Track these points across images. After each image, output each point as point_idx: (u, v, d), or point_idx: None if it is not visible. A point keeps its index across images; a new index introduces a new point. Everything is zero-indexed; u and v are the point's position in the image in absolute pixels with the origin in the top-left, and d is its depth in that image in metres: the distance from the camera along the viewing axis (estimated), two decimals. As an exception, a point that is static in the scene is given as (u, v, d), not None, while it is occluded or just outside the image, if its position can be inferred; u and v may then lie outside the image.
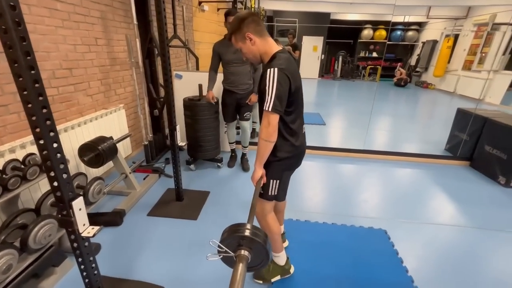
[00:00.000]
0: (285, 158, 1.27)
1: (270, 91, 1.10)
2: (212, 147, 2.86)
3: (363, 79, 10.72)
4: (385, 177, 2.95)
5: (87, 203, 1.70)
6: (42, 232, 1.33)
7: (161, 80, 3.28)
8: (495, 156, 2.82)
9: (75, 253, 1.11)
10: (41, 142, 0.89)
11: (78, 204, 1.03)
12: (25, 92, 0.82)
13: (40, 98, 0.84)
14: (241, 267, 0.80)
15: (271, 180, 1.31)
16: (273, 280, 1.54)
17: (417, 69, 9.91)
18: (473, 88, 7.15)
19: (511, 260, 1.80)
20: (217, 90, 2.70)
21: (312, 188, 2.64)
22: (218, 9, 6.10)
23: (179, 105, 2.75)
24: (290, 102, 1.17)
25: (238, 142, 3.08)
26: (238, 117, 2.77)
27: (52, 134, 0.90)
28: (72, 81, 2.19)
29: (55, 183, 0.95)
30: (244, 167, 2.90)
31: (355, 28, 10.27)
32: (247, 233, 0.85)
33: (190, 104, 2.67)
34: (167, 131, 3.50)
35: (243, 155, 2.97)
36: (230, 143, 2.99)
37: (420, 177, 2.94)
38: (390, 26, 10.30)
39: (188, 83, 3.06)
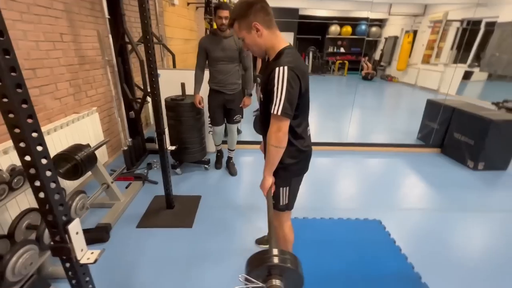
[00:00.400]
0: (291, 164, 1.18)
1: (279, 93, 0.99)
2: (198, 148, 2.73)
3: (332, 73, 11.10)
4: (366, 168, 3.07)
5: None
6: (21, 262, 1.14)
7: (136, 80, 3.05)
8: (463, 142, 3.07)
9: (71, 283, 0.96)
10: (27, 158, 0.74)
11: (75, 227, 0.88)
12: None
13: (19, 90, 0.69)
14: None
15: (280, 188, 1.22)
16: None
17: (382, 64, 10.50)
18: (432, 80, 7.76)
19: (486, 235, 1.98)
20: (203, 90, 2.56)
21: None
22: (188, 4, 5.85)
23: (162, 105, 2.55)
24: (297, 105, 1.06)
25: (224, 142, 2.97)
26: (225, 120, 2.61)
27: (35, 135, 0.73)
28: (36, 83, 1.92)
29: (47, 206, 0.80)
30: (232, 172, 2.76)
31: (323, 24, 10.55)
32: (275, 260, 0.78)
33: (173, 105, 2.50)
34: (147, 134, 3.29)
35: (229, 158, 2.84)
36: (216, 145, 2.84)
37: (399, 166, 3.11)
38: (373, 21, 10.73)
39: (167, 82, 2.86)
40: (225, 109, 2.53)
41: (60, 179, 1.91)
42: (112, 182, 2.10)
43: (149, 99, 2.84)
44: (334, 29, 10.78)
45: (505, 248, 1.85)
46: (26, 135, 0.70)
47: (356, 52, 11.34)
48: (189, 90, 2.63)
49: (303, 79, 1.05)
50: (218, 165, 2.85)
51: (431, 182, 2.76)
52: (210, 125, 2.76)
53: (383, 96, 7.82)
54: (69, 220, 0.88)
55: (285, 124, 1.04)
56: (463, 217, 2.19)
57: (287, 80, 0.98)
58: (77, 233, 0.89)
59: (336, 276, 1.56)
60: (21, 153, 0.73)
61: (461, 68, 6.93)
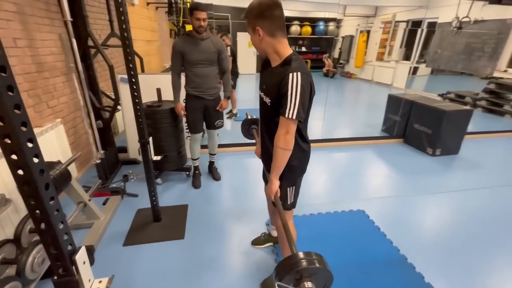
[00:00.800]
0: (297, 165, 1.23)
1: (293, 98, 1.01)
2: (178, 156, 2.63)
3: (296, 72, 11.45)
4: (339, 162, 3.26)
5: (51, 248, 1.36)
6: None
7: (101, 86, 2.83)
8: (422, 132, 3.42)
9: (77, 318, 0.87)
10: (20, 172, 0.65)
11: (81, 257, 0.80)
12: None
13: (10, 93, 0.60)
14: None
15: (287, 188, 1.26)
16: (283, 284, 1.53)
17: (341, 61, 11.13)
18: (386, 76, 8.47)
19: (451, 212, 2.24)
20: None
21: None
22: (148, 4, 5.57)
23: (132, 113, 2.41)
24: (306, 109, 1.12)
25: (203, 146, 2.90)
26: (205, 126, 2.52)
27: (30, 145, 0.64)
28: (-11, 95, 1.68)
29: (48, 238, 0.72)
30: (215, 177, 2.70)
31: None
32: (304, 264, 0.80)
33: (150, 112, 2.37)
34: (116, 143, 3.06)
35: (211, 163, 2.77)
36: (193, 159, 2.63)
37: (369, 157, 3.35)
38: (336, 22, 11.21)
39: (137, 88, 2.71)
40: (205, 115, 2.44)
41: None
42: (89, 200, 1.93)
43: (120, 106, 2.65)
44: (294, 29, 11.13)
45: (467, 222, 2.12)
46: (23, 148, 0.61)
47: (316, 51, 11.85)
48: (164, 96, 2.52)
49: (313, 85, 1.11)
50: (196, 183, 2.57)
51: (399, 169, 3.03)
52: (188, 132, 2.65)
53: (345, 92, 8.31)
54: (74, 250, 0.80)
55: (295, 127, 1.07)
56: (430, 198, 2.45)
57: (301, 86, 1.01)
58: (84, 262, 0.82)
59: (334, 268, 1.64)
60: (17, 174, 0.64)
61: (409, 64, 7.68)
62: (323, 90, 8.19)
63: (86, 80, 2.28)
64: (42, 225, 0.70)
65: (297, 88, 1.01)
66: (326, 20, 11.04)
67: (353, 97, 7.73)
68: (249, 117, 1.88)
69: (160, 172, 2.65)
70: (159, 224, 2.01)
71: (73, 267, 0.78)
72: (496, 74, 5.57)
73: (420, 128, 3.45)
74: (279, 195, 1.20)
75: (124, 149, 3.00)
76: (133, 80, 1.57)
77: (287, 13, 10.46)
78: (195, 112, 2.39)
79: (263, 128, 1.30)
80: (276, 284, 0.79)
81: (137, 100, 1.63)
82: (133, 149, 2.96)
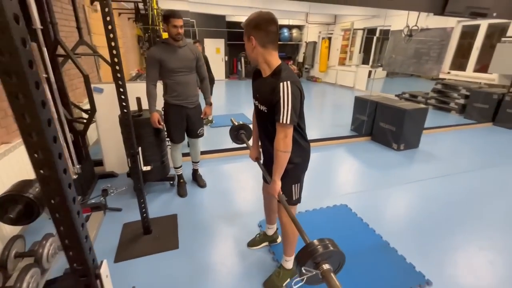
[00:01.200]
0: (300, 163, 1.34)
1: (285, 104, 1.13)
2: (161, 166, 2.57)
3: (264, 77, 11.75)
4: (315, 162, 3.44)
5: (42, 271, 1.27)
6: None
7: (71, 96, 2.66)
8: (387, 129, 3.76)
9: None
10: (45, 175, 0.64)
11: (105, 270, 0.79)
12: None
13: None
14: (333, 279, 0.85)
15: (293, 185, 1.36)
16: (284, 284, 1.58)
17: (305, 66, 11.66)
18: (348, 79, 9.09)
19: (419, 199, 2.52)
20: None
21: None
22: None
23: (109, 123, 2.33)
24: (301, 112, 1.25)
25: (186, 154, 2.87)
26: (186, 135, 2.49)
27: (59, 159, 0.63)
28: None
29: (71, 253, 0.70)
30: (200, 184, 2.69)
31: (250, 30, 11.07)
32: (320, 249, 0.89)
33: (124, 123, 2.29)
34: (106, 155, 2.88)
35: (195, 171, 2.74)
36: (176, 168, 2.60)
37: (342, 155, 3.59)
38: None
39: (112, 97, 2.59)
40: (187, 124, 2.41)
41: None
42: (71, 218, 1.81)
43: (95, 117, 2.52)
44: (261, 35, 11.43)
45: (433, 207, 2.40)
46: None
47: (282, 56, 12.27)
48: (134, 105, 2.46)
49: (302, 90, 1.22)
50: (182, 192, 2.53)
51: (371, 165, 3.30)
52: (169, 145, 2.60)
53: (312, 96, 8.72)
54: (97, 264, 0.78)
55: (291, 130, 1.18)
56: (401, 189, 2.72)
57: (291, 93, 1.13)
58: (107, 276, 0.80)
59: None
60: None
61: (368, 68, 8.36)
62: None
63: (59, 90, 2.14)
64: (66, 241, 0.68)
65: (288, 95, 1.12)
66: (290, 27, 11.52)
67: (320, 100, 8.14)
68: (235, 123, 1.94)
69: (143, 183, 2.56)
70: (150, 236, 1.95)
71: (98, 281, 0.77)
72: (441, 76, 6.32)
73: (385, 126, 3.79)
74: (281, 193, 1.27)
75: (99, 162, 2.84)
76: (121, 90, 1.53)
77: (252, 20, 10.79)
78: (177, 121, 2.36)
79: (262, 133, 1.38)
80: (302, 269, 0.86)
81: (125, 110, 1.59)
82: (110, 162, 2.81)
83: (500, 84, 5.32)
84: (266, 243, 1.89)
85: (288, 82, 1.13)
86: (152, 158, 2.46)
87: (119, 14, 6.26)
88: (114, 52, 1.44)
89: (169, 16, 2.10)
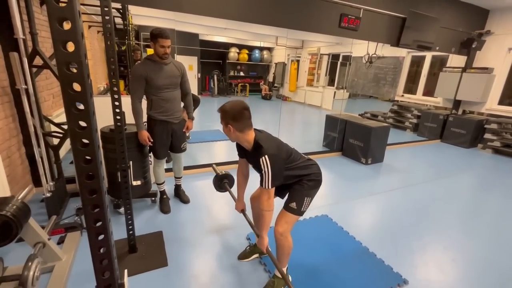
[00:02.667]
0: (314, 186, 1.55)
1: (267, 175, 1.34)
2: (144, 181, 2.50)
3: (236, 94, 11.99)
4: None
5: (28, 296, 1.16)
6: None
7: (43, 109, 2.51)
8: (356, 145, 4.11)
9: None
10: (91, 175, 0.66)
11: (126, 281, 0.79)
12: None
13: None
14: None
15: (306, 198, 1.51)
16: (279, 293, 1.64)
17: (275, 85, 12.21)
18: (316, 99, 9.71)
19: (388, 208, 2.78)
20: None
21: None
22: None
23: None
24: (290, 159, 1.49)
25: (168, 169, 2.82)
26: (170, 150, 2.48)
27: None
28: None
29: (106, 263, 0.71)
30: (184, 199, 2.65)
31: (223, 50, 11.36)
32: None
33: (113, 136, 2.23)
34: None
35: (178, 186, 2.71)
36: (159, 184, 2.56)
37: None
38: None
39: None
40: (172, 139, 2.41)
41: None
42: (49, 239, 1.68)
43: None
44: (233, 55, 11.78)
45: (402, 214, 2.66)
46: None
47: (253, 76, 12.73)
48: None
49: (282, 151, 1.45)
50: (165, 208, 2.47)
51: (344, 177, 3.55)
52: (151, 161, 2.55)
53: (283, 114, 9.11)
54: (118, 275, 0.79)
55: (272, 192, 1.40)
56: (373, 198, 2.97)
57: (270, 165, 1.34)
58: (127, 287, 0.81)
59: (315, 266, 1.85)
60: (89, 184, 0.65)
61: (333, 89, 9.06)
62: (262, 111, 8.82)
63: (35, 103, 2.03)
64: (102, 250, 0.69)
65: (268, 167, 1.33)
66: (262, 49, 12.10)
67: (291, 118, 8.54)
68: (219, 173, 2.03)
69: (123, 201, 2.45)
70: (136, 255, 1.87)
71: (121, 292, 0.77)
72: (396, 98, 7.11)
73: (354, 142, 4.14)
74: (269, 249, 1.49)
75: (72, 180, 2.66)
76: (117, 103, 1.53)
77: (226, 40, 11.14)
78: (163, 137, 2.35)
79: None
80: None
81: (119, 124, 1.58)
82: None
83: (444, 106, 6.15)
84: (256, 255, 1.93)
85: (266, 156, 1.34)
86: (135, 174, 2.39)
87: (89, 27, 6.09)
88: (113, 66, 1.46)
89: (157, 35, 2.11)
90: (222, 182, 2.02)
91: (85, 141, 0.60)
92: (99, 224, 0.66)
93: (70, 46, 0.54)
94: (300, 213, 1.54)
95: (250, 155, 1.50)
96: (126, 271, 0.82)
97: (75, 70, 0.55)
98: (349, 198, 2.96)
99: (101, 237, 0.68)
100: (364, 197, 3.00)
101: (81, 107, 0.58)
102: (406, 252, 2.09)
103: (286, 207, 1.53)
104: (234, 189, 1.94)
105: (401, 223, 2.51)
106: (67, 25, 0.53)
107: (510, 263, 2.04)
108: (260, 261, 1.90)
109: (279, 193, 1.64)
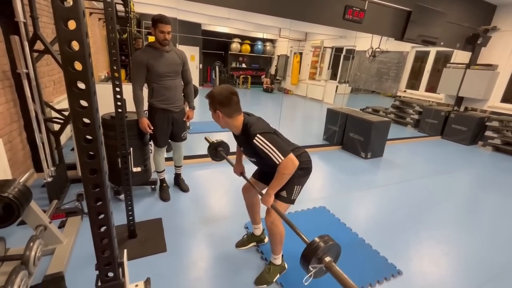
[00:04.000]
0: (304, 174, 1.55)
1: (271, 151, 1.31)
2: (144, 169, 2.51)
3: (238, 87, 11.92)
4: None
5: (29, 274, 1.19)
6: None
7: (44, 95, 2.51)
8: (356, 139, 4.11)
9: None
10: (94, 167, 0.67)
11: (126, 259, 0.81)
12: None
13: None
14: (335, 268, 0.97)
15: (296, 186, 1.50)
16: (274, 279, 1.67)
17: (277, 78, 12.12)
18: (318, 93, 9.66)
19: (385, 201, 2.80)
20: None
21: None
22: (84, 7, 5.14)
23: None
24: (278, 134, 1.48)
25: (168, 159, 2.84)
26: (170, 139, 2.48)
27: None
28: None
29: (106, 242, 0.73)
30: (183, 188, 2.67)
31: (225, 40, 11.24)
32: (321, 245, 1.02)
33: (114, 123, 2.24)
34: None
35: (178, 175, 2.73)
36: (159, 172, 2.57)
37: (317, 163, 3.83)
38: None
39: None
40: (172, 128, 2.41)
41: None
42: (50, 222, 1.71)
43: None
44: (235, 46, 11.66)
45: (399, 207, 2.69)
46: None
47: (255, 68, 12.63)
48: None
49: (269, 127, 1.45)
50: (165, 196, 2.49)
51: (343, 171, 3.57)
52: (151, 149, 2.56)
53: (284, 107, 9.08)
54: (118, 254, 0.81)
55: (292, 156, 1.35)
56: (370, 192, 2.99)
57: (267, 140, 1.32)
58: (126, 264, 0.83)
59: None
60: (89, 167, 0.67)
61: (336, 84, 9.00)
62: (263, 104, 8.78)
63: (36, 88, 2.03)
64: (103, 228, 0.71)
65: (266, 144, 1.31)
66: (264, 40, 11.96)
67: (293, 111, 8.52)
68: (213, 141, 2.02)
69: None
70: (136, 240, 1.90)
71: (120, 269, 0.79)
72: (398, 93, 7.07)
73: (354, 136, 4.14)
74: (274, 205, 1.47)
75: (72, 166, 2.68)
76: (117, 89, 1.53)
77: (228, 30, 11.00)
78: (163, 125, 2.35)
79: (262, 172, 1.69)
80: (310, 267, 0.97)
81: (119, 110, 1.59)
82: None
83: (446, 103, 6.12)
84: (254, 243, 1.96)
85: (258, 135, 1.33)
86: (135, 162, 2.41)
87: (90, 13, 6.02)
88: (113, 50, 1.45)
89: (157, 21, 2.10)
90: (217, 151, 1.99)
91: (86, 120, 0.61)
92: (99, 203, 0.68)
93: (71, 24, 0.54)
94: (291, 201, 1.54)
95: (242, 141, 1.48)
96: (125, 251, 0.83)
97: (76, 48, 0.56)
98: (347, 191, 2.98)
99: (101, 216, 0.69)
100: (362, 190, 3.02)
101: (82, 86, 0.59)
102: (402, 245, 2.12)
103: (277, 195, 1.50)
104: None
105: (398, 217, 2.53)
106: (68, 3, 0.53)
107: (502, 258, 2.07)
108: (257, 249, 1.93)
109: (266, 181, 1.60)
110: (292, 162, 1.33)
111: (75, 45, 0.56)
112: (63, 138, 3.19)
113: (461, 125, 5.29)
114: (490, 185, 3.53)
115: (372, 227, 2.34)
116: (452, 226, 2.46)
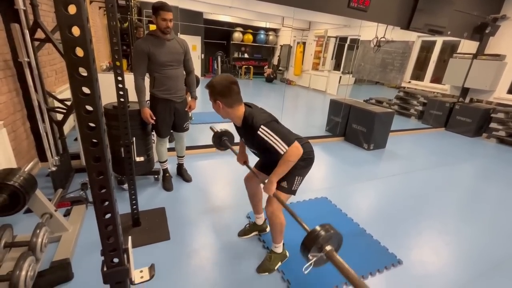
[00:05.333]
0: (306, 165, 1.54)
1: (275, 141, 1.29)
2: (146, 159, 2.53)
3: (240, 77, 11.81)
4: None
5: (37, 260, 1.22)
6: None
7: (46, 84, 2.51)
8: (359, 130, 4.09)
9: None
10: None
11: (130, 247, 0.83)
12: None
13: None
14: (336, 257, 0.97)
15: (297, 177, 1.50)
16: (276, 267, 1.69)
17: (280, 68, 11.99)
18: (321, 83, 9.56)
19: (388, 193, 2.81)
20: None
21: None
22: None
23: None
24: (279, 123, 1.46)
25: (170, 149, 2.86)
26: (173, 129, 2.48)
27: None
28: None
29: (111, 229, 0.74)
30: (186, 178, 2.69)
31: (227, 30, 11.06)
32: (322, 233, 1.02)
33: (116, 113, 2.24)
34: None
35: (181, 165, 2.74)
36: (161, 162, 2.58)
37: (319, 154, 3.82)
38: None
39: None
40: (174, 118, 2.40)
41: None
42: (56, 210, 1.73)
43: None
44: (237, 35, 11.49)
45: (400, 199, 2.70)
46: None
47: (258, 58, 12.47)
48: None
49: (272, 117, 1.42)
50: (168, 186, 2.52)
51: (345, 162, 3.57)
52: (153, 140, 2.57)
53: (287, 98, 9.01)
54: (122, 240, 0.82)
55: (297, 144, 1.34)
56: (372, 183, 3.00)
57: (270, 131, 1.30)
58: (131, 250, 0.84)
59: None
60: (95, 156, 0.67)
61: (339, 74, 8.88)
62: (266, 95, 8.71)
63: (38, 77, 2.02)
64: (108, 215, 0.72)
65: (270, 134, 1.30)
66: (267, 30, 11.76)
67: (295, 102, 8.46)
68: (218, 130, 2.01)
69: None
70: (139, 228, 1.93)
71: (125, 256, 0.80)
72: (403, 84, 6.98)
73: (357, 127, 4.11)
74: (276, 193, 1.47)
75: (76, 156, 2.70)
76: (119, 78, 1.52)
77: (231, 19, 10.80)
78: (165, 115, 2.35)
79: (263, 164, 1.68)
80: (309, 256, 0.98)
81: (122, 99, 1.58)
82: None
83: (451, 94, 6.04)
84: (256, 233, 1.99)
85: (261, 127, 1.30)
86: (138, 151, 2.42)
87: (90, 2, 5.94)
88: (115, 39, 1.43)
89: (158, 8, 2.06)
90: (221, 140, 1.99)
91: (89, 108, 0.61)
92: (103, 190, 0.68)
93: (72, 9, 0.53)
94: (292, 191, 1.54)
95: (244, 133, 1.47)
96: (130, 238, 0.85)
97: (77, 34, 0.55)
98: (349, 182, 2.99)
99: (106, 203, 0.70)
100: (364, 181, 3.03)
101: (84, 73, 0.58)
102: (402, 235, 2.14)
103: (277, 185, 1.51)
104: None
105: (399, 207, 2.54)
106: (68, -14, 0.52)
107: (503, 249, 2.09)
108: (259, 238, 1.96)
109: (267, 171, 1.60)
110: (297, 149, 1.33)
111: (76, 30, 0.55)
112: (66, 128, 3.21)
113: (465, 117, 5.23)
114: (493, 176, 3.52)
115: (373, 217, 2.35)
116: (453, 217, 2.47)
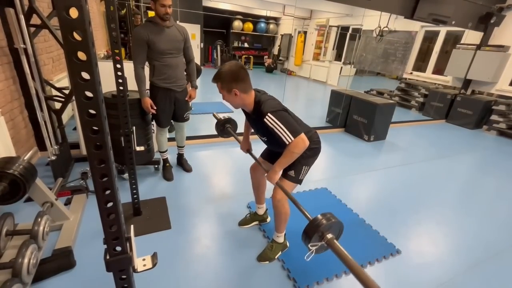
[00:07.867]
0: (313, 155, 1.54)
1: (281, 130, 1.27)
2: (146, 149, 2.52)
3: (240, 67, 11.68)
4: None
5: (39, 248, 1.23)
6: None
7: (43, 72, 2.46)
8: (360, 121, 4.07)
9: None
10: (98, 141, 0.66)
11: (132, 235, 0.82)
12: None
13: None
14: (336, 245, 0.97)
15: (304, 166, 1.50)
16: (276, 256, 1.71)
17: (280, 58, 11.83)
18: (321, 74, 9.46)
19: (387, 184, 2.82)
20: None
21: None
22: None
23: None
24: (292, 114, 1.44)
25: (171, 139, 2.84)
26: (173, 119, 2.45)
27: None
28: None
29: (114, 217, 0.73)
30: (186, 168, 2.69)
31: (227, 18, 10.85)
32: (324, 222, 1.02)
33: (116, 102, 2.21)
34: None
35: (181, 155, 2.73)
36: (161, 152, 2.57)
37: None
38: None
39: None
40: (175, 108, 2.37)
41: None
42: (56, 199, 1.73)
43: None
44: (237, 24, 11.28)
45: (400, 189, 2.71)
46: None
47: (258, 47, 12.29)
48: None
49: (281, 105, 1.39)
50: (168, 176, 2.51)
51: (345, 153, 3.57)
52: (153, 126, 2.55)
53: (287, 88, 8.93)
54: (125, 229, 0.82)
55: (302, 136, 1.31)
56: (372, 174, 3.00)
57: (277, 119, 1.28)
58: (133, 238, 0.84)
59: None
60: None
61: (340, 65, 8.78)
62: (266, 86, 8.63)
63: (35, 65, 1.98)
64: (110, 204, 0.71)
65: (276, 123, 1.28)
66: (267, 18, 11.54)
67: (295, 93, 8.39)
68: (220, 117, 1.98)
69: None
70: (141, 218, 1.94)
71: (127, 244, 0.80)
72: (404, 76, 6.91)
73: (358, 118, 4.09)
74: (279, 182, 1.45)
75: (76, 145, 2.69)
76: (118, 66, 1.49)
77: (231, 7, 10.57)
78: (165, 105, 2.31)
79: (269, 147, 1.66)
80: (309, 245, 0.98)
81: (121, 88, 1.55)
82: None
83: (453, 85, 5.99)
84: (256, 222, 2.00)
85: (267, 115, 1.29)
86: (138, 141, 2.40)
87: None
88: (113, 26, 1.39)
89: None
90: (225, 128, 1.97)
91: (89, 94, 0.59)
92: (105, 179, 0.67)
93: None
94: (298, 181, 1.54)
95: (254, 119, 1.45)
96: (132, 226, 0.84)
97: (74, 16, 0.52)
98: (349, 173, 2.99)
99: (107, 192, 0.69)
100: (363, 172, 3.04)
101: (83, 57, 0.56)
102: (401, 225, 2.16)
103: (285, 174, 1.52)
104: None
105: (398, 198, 2.56)
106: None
107: (500, 239, 2.11)
108: (259, 228, 1.97)
109: (274, 161, 1.59)
110: (302, 141, 1.31)
111: (74, 12, 0.52)
112: (65, 118, 3.18)
113: (466, 109, 5.21)
114: (492, 168, 3.54)
115: (372, 208, 2.37)
116: (452, 208, 2.49)
